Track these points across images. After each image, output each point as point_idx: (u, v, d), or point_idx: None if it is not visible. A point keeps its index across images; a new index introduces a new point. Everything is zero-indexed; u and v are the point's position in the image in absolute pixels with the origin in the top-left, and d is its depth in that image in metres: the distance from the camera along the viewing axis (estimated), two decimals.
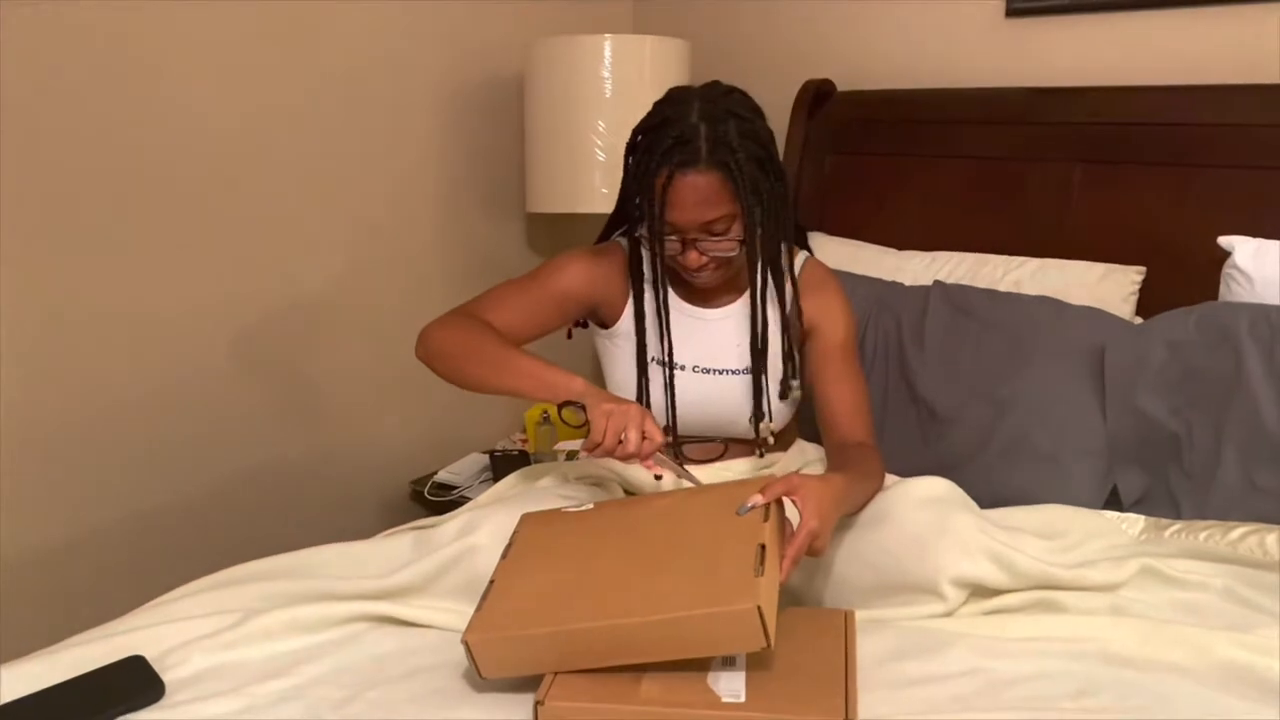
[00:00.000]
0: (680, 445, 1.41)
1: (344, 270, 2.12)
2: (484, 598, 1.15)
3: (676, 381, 1.50)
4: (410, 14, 2.14)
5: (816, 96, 2.24)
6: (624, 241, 1.56)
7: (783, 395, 1.51)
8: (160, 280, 1.84)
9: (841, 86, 2.26)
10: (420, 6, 2.15)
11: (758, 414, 1.50)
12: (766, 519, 1.14)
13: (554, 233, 2.52)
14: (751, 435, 1.52)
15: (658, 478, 1.39)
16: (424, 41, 2.18)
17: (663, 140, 1.35)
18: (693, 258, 1.40)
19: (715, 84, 1.43)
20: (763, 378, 1.49)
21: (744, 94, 1.43)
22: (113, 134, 1.74)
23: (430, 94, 2.22)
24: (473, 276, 2.35)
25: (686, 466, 1.43)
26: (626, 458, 1.29)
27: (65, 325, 1.73)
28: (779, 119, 2.25)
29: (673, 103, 1.39)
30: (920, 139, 2.14)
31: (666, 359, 1.50)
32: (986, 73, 2.11)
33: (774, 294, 1.49)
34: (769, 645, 1.01)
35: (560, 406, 1.33)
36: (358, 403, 2.19)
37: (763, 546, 1.08)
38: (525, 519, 1.30)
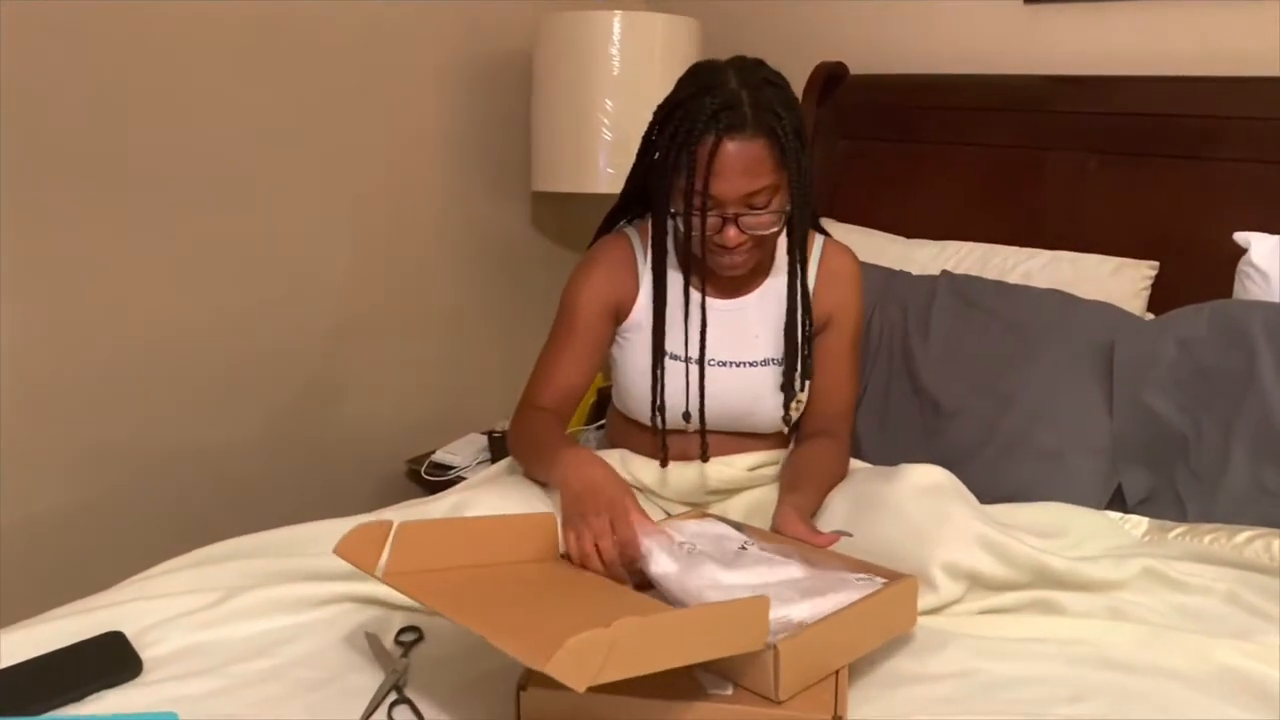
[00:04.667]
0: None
1: (346, 247, 2.10)
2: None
3: (702, 375, 1.46)
4: None
5: (829, 79, 2.20)
6: (631, 231, 1.53)
7: (801, 387, 1.48)
8: (160, 259, 1.82)
9: (855, 70, 2.23)
10: None
11: (789, 403, 1.48)
12: None
13: (559, 212, 2.49)
14: (778, 427, 1.50)
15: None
16: (431, 16, 2.15)
17: (704, 108, 1.31)
18: (732, 234, 1.35)
19: (741, 56, 1.40)
20: (796, 365, 1.47)
21: (769, 66, 1.40)
22: (117, 113, 1.71)
23: (437, 69, 2.19)
24: (476, 255, 2.33)
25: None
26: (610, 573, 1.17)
27: (66, 299, 1.71)
28: None
29: (705, 72, 1.37)
30: (933, 125, 2.11)
31: (687, 352, 1.46)
32: (1003, 60, 2.08)
33: (800, 278, 1.45)
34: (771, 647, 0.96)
35: None
36: (356, 381, 2.17)
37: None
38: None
